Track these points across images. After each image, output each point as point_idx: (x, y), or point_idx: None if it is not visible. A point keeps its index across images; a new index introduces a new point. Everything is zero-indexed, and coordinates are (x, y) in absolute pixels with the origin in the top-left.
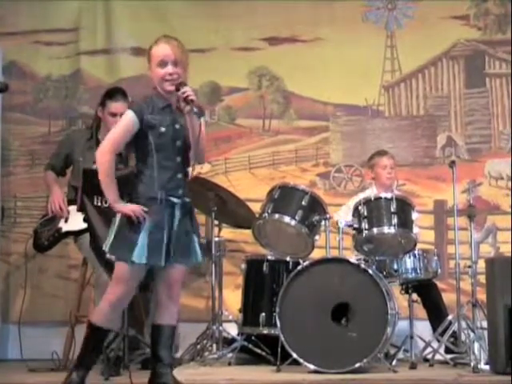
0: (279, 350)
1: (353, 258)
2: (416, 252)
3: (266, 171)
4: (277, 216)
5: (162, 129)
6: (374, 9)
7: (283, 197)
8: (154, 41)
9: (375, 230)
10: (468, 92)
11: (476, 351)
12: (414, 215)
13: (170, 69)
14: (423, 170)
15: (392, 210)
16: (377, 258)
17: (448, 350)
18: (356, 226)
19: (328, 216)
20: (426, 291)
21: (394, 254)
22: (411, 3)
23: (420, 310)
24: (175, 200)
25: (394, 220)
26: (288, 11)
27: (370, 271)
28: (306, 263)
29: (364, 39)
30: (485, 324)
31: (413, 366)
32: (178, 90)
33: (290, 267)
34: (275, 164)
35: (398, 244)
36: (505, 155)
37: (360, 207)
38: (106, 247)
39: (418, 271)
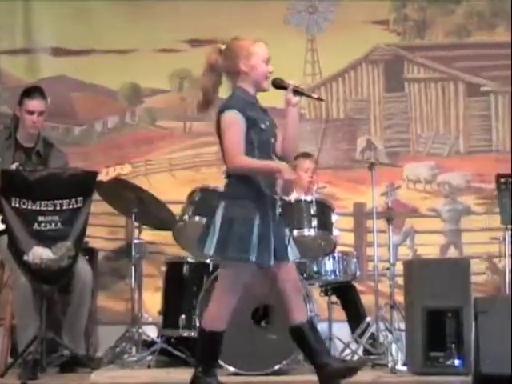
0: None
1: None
2: (335, 254)
3: (187, 173)
4: (197, 219)
5: (262, 125)
6: (296, 12)
7: (204, 199)
8: (243, 38)
9: (296, 232)
10: (387, 96)
11: (394, 352)
12: (334, 218)
13: (271, 67)
14: (343, 172)
15: (312, 212)
16: (297, 260)
17: (366, 352)
18: None
19: None
20: (344, 293)
21: (313, 256)
22: (332, 7)
23: (339, 312)
24: (276, 197)
25: (314, 222)
26: (210, 13)
27: None
28: None
29: (285, 42)
30: (403, 325)
31: None
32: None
33: (211, 270)
34: (196, 166)
35: (317, 246)
36: (422, 159)
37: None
38: (209, 250)
39: (338, 273)
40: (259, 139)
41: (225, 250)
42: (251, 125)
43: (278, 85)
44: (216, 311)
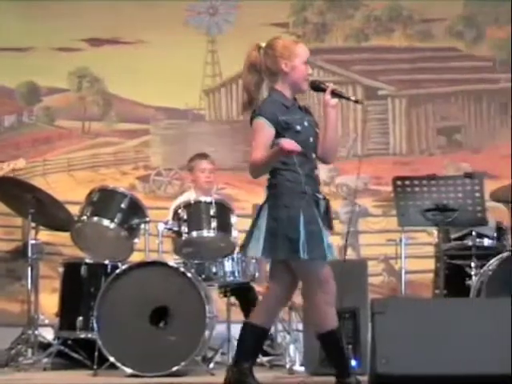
0: (96, 354)
1: (172, 261)
2: (235, 256)
3: (85, 174)
4: (96, 219)
5: (298, 127)
6: (196, 13)
7: (102, 200)
8: (289, 39)
9: (194, 233)
10: None
11: (292, 353)
12: (233, 219)
13: (310, 69)
14: (242, 174)
15: (211, 213)
16: (196, 261)
17: (265, 353)
18: (175, 229)
19: (148, 219)
20: (243, 294)
21: (213, 257)
22: (232, 9)
23: (238, 313)
24: (319, 195)
25: (214, 224)
26: (111, 13)
27: (189, 274)
28: (125, 266)
29: (185, 43)
30: (300, 326)
31: None
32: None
33: (109, 270)
34: (95, 167)
35: (217, 247)
36: None
37: (180, 211)
38: (256, 252)
39: (237, 274)
40: (296, 141)
41: (275, 250)
42: (285, 128)
43: (317, 87)
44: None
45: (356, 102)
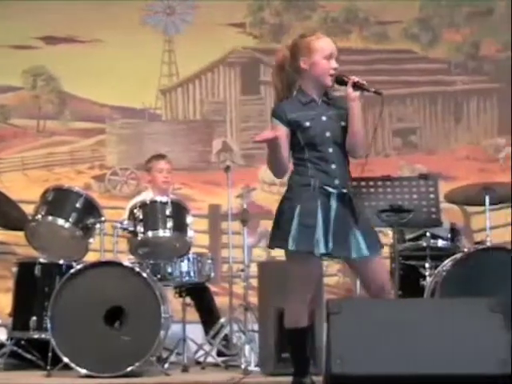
0: (50, 354)
1: (127, 261)
2: (190, 256)
3: (39, 173)
4: (50, 218)
5: (307, 123)
6: (153, 13)
7: (57, 199)
8: (308, 34)
9: (150, 233)
10: (244, 99)
11: (247, 353)
12: (189, 219)
13: (335, 63)
14: (199, 174)
15: (167, 213)
16: (151, 261)
17: (220, 353)
18: (131, 229)
19: (103, 219)
20: (199, 294)
21: (168, 257)
22: (190, 9)
23: (193, 314)
24: (330, 189)
25: (170, 223)
26: (66, 11)
27: (144, 274)
28: (80, 266)
29: (142, 43)
30: (256, 327)
31: (185, 369)
32: (337, 83)
33: (63, 270)
34: (50, 165)
35: (172, 247)
36: None
37: (136, 210)
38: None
39: (192, 275)
40: (305, 137)
41: (271, 240)
42: (295, 126)
43: (340, 81)
44: (292, 307)
45: (375, 92)
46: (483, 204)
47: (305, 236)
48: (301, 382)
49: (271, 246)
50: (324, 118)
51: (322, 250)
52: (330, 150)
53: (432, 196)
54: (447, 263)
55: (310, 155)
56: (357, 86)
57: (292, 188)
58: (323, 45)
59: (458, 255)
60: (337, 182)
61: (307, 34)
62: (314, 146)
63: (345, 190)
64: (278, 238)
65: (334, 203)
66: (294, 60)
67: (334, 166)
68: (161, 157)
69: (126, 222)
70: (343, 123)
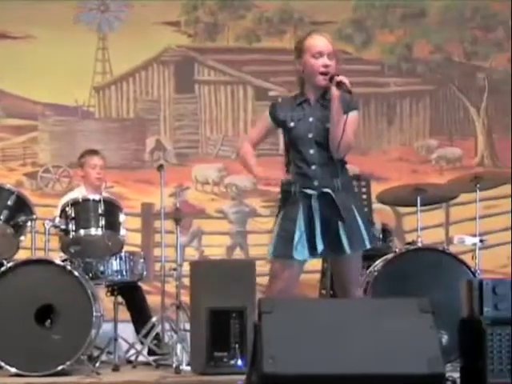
0: None
1: (58, 259)
2: (122, 254)
3: None
4: None
5: (291, 124)
6: (87, 10)
7: None
8: (304, 35)
9: (82, 231)
10: (178, 97)
11: (179, 352)
12: (122, 217)
13: (326, 60)
14: (132, 172)
15: (100, 211)
16: (83, 259)
17: (151, 352)
18: (63, 227)
19: (34, 216)
20: (130, 293)
21: (100, 255)
22: (124, 7)
23: (124, 312)
24: (310, 191)
25: (102, 222)
26: None
27: (76, 273)
28: (10, 264)
29: (76, 40)
30: (188, 326)
31: (116, 368)
32: (330, 80)
33: None
34: None
35: (104, 246)
36: (211, 160)
37: (67, 208)
38: None
39: (124, 273)
40: (289, 137)
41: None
42: (282, 126)
43: (331, 80)
44: None
45: (348, 92)
46: (415, 205)
47: (283, 241)
48: None
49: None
50: (310, 119)
51: (301, 255)
52: (311, 151)
53: (364, 197)
54: (378, 263)
55: (293, 156)
56: (339, 86)
57: (280, 192)
58: (311, 43)
59: (390, 255)
60: (316, 183)
61: (304, 34)
62: (296, 146)
63: (326, 190)
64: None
65: (316, 205)
66: (295, 63)
67: (314, 167)
68: (94, 152)
69: (57, 220)
70: (328, 125)
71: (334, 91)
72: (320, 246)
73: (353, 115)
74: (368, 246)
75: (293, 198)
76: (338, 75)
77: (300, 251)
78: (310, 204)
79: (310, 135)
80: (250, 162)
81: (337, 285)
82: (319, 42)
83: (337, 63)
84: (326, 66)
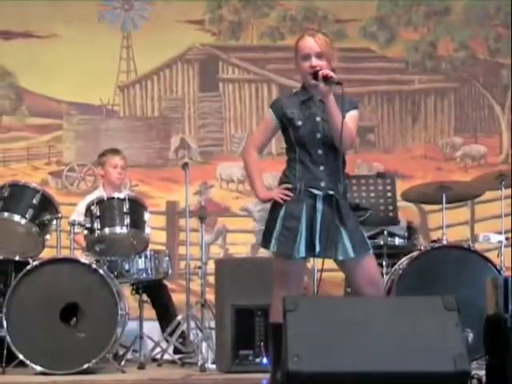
0: (5, 351)
1: (84, 258)
2: (148, 253)
3: None
4: (6, 215)
5: (299, 122)
6: (111, 8)
7: (13, 195)
8: (300, 35)
9: (107, 230)
10: (202, 95)
11: (204, 351)
12: (147, 216)
13: (313, 61)
14: (156, 171)
15: (125, 210)
16: (108, 258)
17: (176, 350)
18: (88, 225)
19: (60, 215)
20: (155, 292)
21: (125, 254)
22: (147, 5)
23: (150, 311)
24: (315, 191)
25: (127, 220)
26: (23, 5)
27: (101, 271)
28: (36, 263)
29: (100, 38)
30: (213, 324)
31: (141, 366)
32: (316, 78)
33: (19, 267)
34: (6, 161)
35: (129, 244)
36: (235, 158)
37: (93, 207)
38: None
39: (149, 272)
40: (296, 136)
41: (261, 240)
42: (288, 123)
43: (315, 75)
44: (275, 303)
45: (338, 83)
46: (440, 202)
47: (286, 239)
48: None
49: (260, 244)
50: (318, 119)
51: (302, 253)
52: (320, 151)
53: (389, 194)
54: (404, 261)
55: (299, 155)
56: (327, 80)
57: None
58: (300, 44)
59: (415, 253)
60: (323, 184)
61: (304, 33)
62: (303, 145)
63: (331, 192)
64: (263, 237)
65: (319, 205)
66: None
67: (321, 168)
68: (116, 152)
69: (83, 219)
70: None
71: (323, 87)
72: (318, 247)
73: (353, 111)
74: (371, 251)
75: (296, 196)
76: (320, 70)
77: (300, 250)
78: (314, 204)
79: (318, 135)
80: (255, 182)
81: (354, 287)
82: (306, 43)
83: (329, 62)
84: (313, 67)
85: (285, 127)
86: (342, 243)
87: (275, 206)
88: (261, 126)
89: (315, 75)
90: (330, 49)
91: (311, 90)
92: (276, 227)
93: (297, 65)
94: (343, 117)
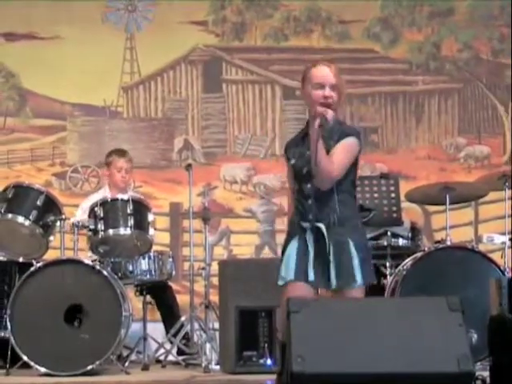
0: (9, 353)
1: (87, 259)
2: (151, 254)
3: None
4: (10, 216)
5: (293, 161)
6: (115, 10)
7: (17, 196)
8: (312, 63)
9: (111, 231)
10: (205, 97)
11: (208, 352)
12: (150, 217)
13: (326, 91)
14: (160, 172)
15: (128, 211)
16: (112, 259)
17: (180, 351)
18: (92, 226)
19: (63, 216)
20: (160, 293)
21: (129, 255)
22: (151, 6)
23: (154, 312)
24: (304, 225)
25: (131, 221)
26: (26, 7)
27: (105, 272)
28: (40, 264)
29: (103, 40)
30: (217, 325)
31: (145, 368)
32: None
33: (23, 268)
34: (10, 163)
35: (133, 245)
36: (239, 160)
37: (96, 208)
38: None
39: (153, 273)
40: (294, 173)
41: None
42: (289, 163)
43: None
44: (281, 322)
45: (325, 123)
46: (443, 203)
47: (283, 265)
48: None
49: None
50: (308, 153)
51: (291, 276)
52: (309, 185)
53: (393, 195)
54: (407, 262)
55: (296, 191)
56: (324, 121)
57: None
58: (313, 73)
59: (419, 254)
60: (310, 216)
61: (317, 62)
62: (298, 181)
63: (319, 224)
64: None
65: (309, 237)
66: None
67: (310, 202)
68: (122, 154)
69: (87, 220)
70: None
71: (317, 124)
72: (311, 276)
73: (347, 140)
74: (359, 283)
75: (293, 229)
76: (332, 102)
77: (290, 274)
78: (304, 236)
79: (305, 170)
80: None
81: None
82: (322, 72)
83: (339, 97)
84: (326, 98)
85: None
86: (328, 274)
87: (285, 240)
88: (287, 172)
89: (326, 106)
90: (343, 82)
91: (311, 120)
92: (282, 258)
93: (305, 92)
94: (319, 148)
